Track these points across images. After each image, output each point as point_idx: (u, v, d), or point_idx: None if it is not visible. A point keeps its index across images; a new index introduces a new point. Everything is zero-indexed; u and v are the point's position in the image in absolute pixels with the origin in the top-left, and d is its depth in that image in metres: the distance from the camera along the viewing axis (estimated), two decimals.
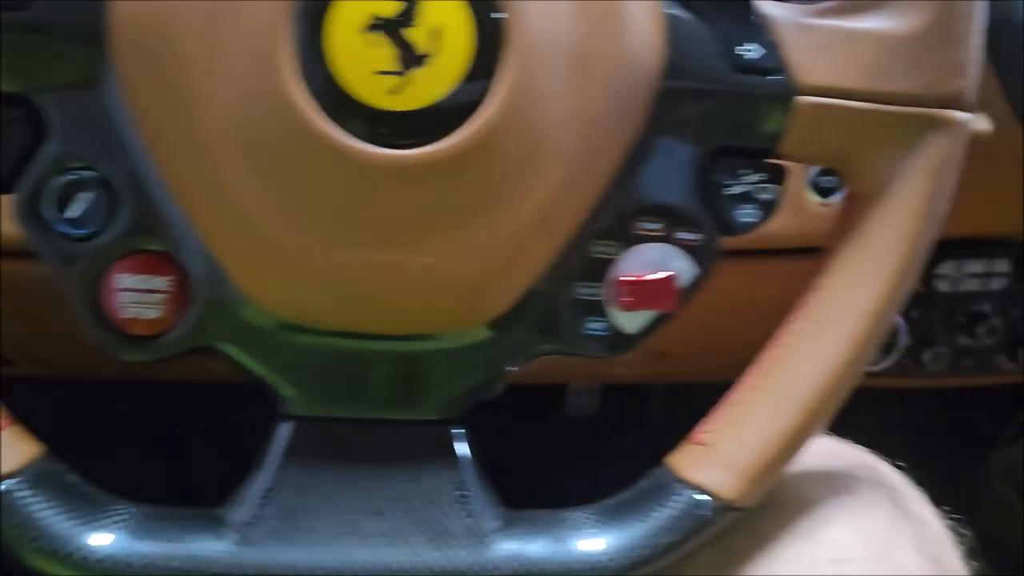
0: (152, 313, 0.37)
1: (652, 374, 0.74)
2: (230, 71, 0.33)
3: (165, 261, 0.37)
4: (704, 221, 0.38)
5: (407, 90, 0.33)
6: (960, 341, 0.64)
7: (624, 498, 0.40)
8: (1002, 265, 0.65)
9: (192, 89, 0.34)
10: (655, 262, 0.38)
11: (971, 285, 0.64)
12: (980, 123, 0.48)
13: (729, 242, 0.39)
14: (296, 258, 0.35)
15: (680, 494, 0.39)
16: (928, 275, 0.61)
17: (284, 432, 0.38)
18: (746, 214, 0.39)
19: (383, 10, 0.32)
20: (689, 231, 0.38)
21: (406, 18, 0.32)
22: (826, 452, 0.46)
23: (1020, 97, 0.54)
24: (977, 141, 0.40)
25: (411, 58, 0.32)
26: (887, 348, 0.62)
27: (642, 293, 0.38)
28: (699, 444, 0.39)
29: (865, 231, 0.38)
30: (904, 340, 0.62)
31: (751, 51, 0.37)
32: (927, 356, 0.62)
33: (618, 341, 0.39)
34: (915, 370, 0.63)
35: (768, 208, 0.39)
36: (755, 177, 0.38)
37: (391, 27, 0.32)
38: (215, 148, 0.34)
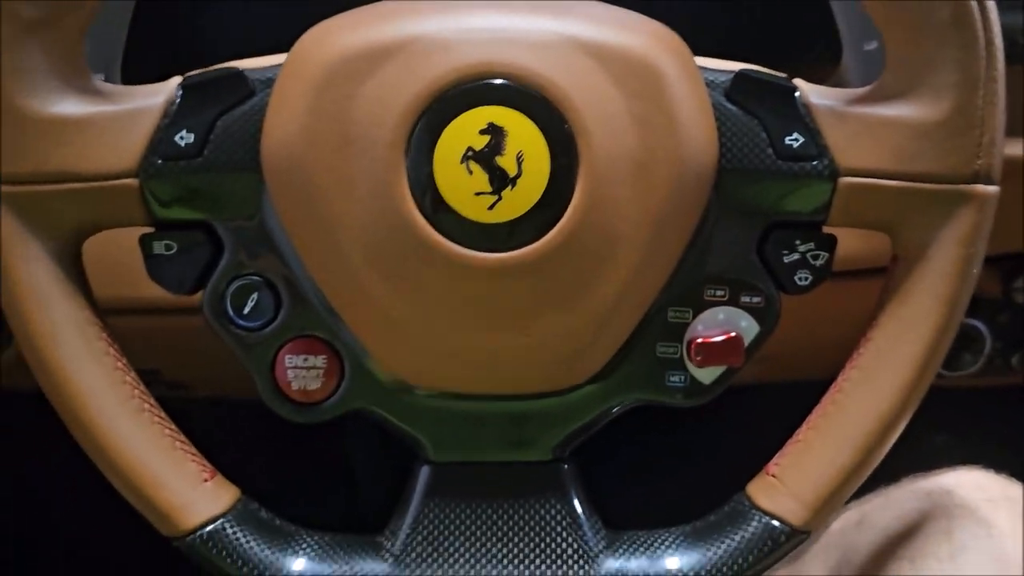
0: (314, 385, 0.46)
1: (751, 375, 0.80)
2: (358, 196, 0.41)
3: (321, 343, 0.45)
4: (764, 286, 0.45)
5: (501, 206, 0.40)
6: None
7: (709, 521, 0.46)
8: None
9: (329, 211, 0.41)
10: (723, 323, 0.45)
11: None
12: None
13: None
14: (421, 340, 0.43)
15: (756, 520, 0.45)
16: (1007, 288, 0.66)
17: (424, 475, 0.47)
18: (802, 278, 0.44)
19: (476, 144, 0.40)
20: (751, 295, 0.45)
21: (494, 149, 0.40)
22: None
23: None
24: None
25: (502, 180, 0.40)
26: (975, 353, 0.66)
27: (713, 351, 0.45)
28: (771, 476, 0.46)
29: (907, 290, 0.44)
30: (989, 346, 0.66)
31: (795, 140, 0.43)
32: (1015, 359, 0.67)
33: (695, 391, 0.46)
34: (1004, 371, 0.67)
35: (822, 272, 0.44)
36: (808, 246, 0.44)
37: (483, 157, 0.40)
38: (351, 257, 0.42)
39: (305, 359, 0.46)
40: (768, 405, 0.59)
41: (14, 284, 0.43)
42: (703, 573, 0.45)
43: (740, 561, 0.45)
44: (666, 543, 0.46)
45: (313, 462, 1.02)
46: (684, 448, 1.02)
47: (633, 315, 0.44)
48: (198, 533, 0.44)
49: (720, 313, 0.45)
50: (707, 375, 0.45)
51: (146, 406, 0.45)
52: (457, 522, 0.46)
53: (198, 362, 0.63)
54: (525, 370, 0.44)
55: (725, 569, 0.45)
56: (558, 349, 0.43)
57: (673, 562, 0.45)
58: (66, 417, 0.44)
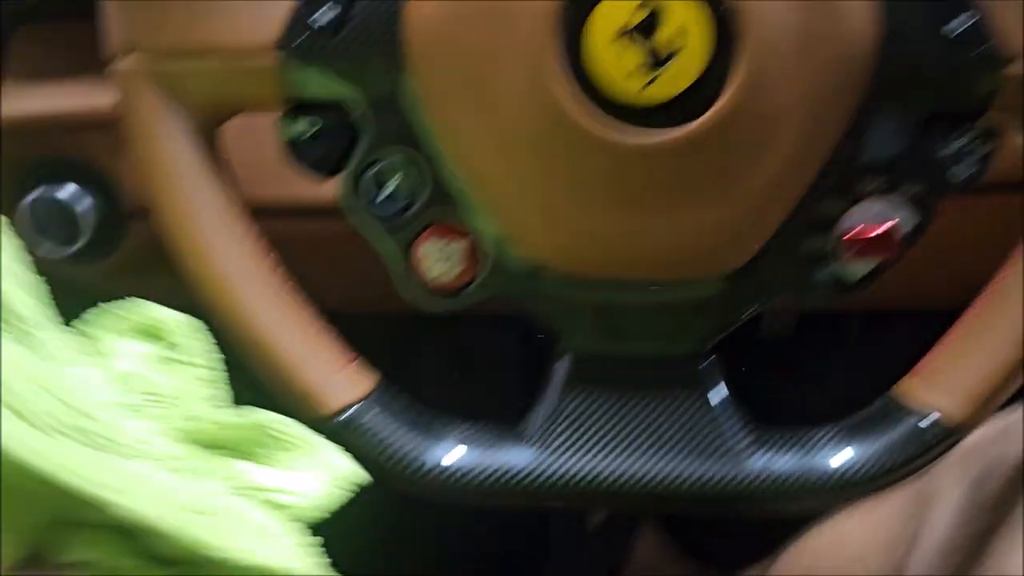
0: (452, 273, 0.45)
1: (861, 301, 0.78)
2: (506, 74, 0.40)
3: (460, 229, 0.45)
4: (922, 177, 0.43)
5: (655, 85, 0.39)
6: None
7: (860, 419, 0.45)
8: None
9: (475, 90, 0.41)
10: (877, 215, 0.43)
11: None
12: None
13: None
14: (567, 223, 0.42)
15: (910, 417, 0.44)
16: None
17: (564, 366, 0.46)
18: (962, 171, 0.42)
19: (631, 20, 0.38)
20: (908, 186, 0.43)
21: (651, 25, 0.38)
22: None
23: None
24: None
25: (658, 58, 0.39)
26: None
27: (866, 244, 0.43)
28: (924, 373, 0.44)
29: None
30: None
31: (959, 23, 0.40)
32: None
33: (843, 288, 0.44)
34: None
35: (982, 164, 0.42)
36: (969, 136, 0.42)
37: (638, 34, 0.38)
38: (497, 137, 0.41)
39: (443, 245, 0.45)
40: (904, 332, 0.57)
41: (157, 161, 0.43)
42: (856, 471, 0.44)
43: (894, 459, 0.44)
44: (816, 440, 0.45)
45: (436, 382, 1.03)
46: (831, 351, 1.00)
47: (786, 203, 0.42)
48: (341, 417, 0.44)
49: (875, 205, 0.43)
50: (856, 271, 0.44)
51: (286, 287, 0.44)
52: (598, 414, 0.46)
53: (322, 272, 0.62)
54: (671, 256, 0.43)
55: (878, 467, 0.44)
56: (707, 236, 0.42)
57: (824, 460, 0.44)
58: (207, 296, 0.44)
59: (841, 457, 0.44)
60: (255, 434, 0.35)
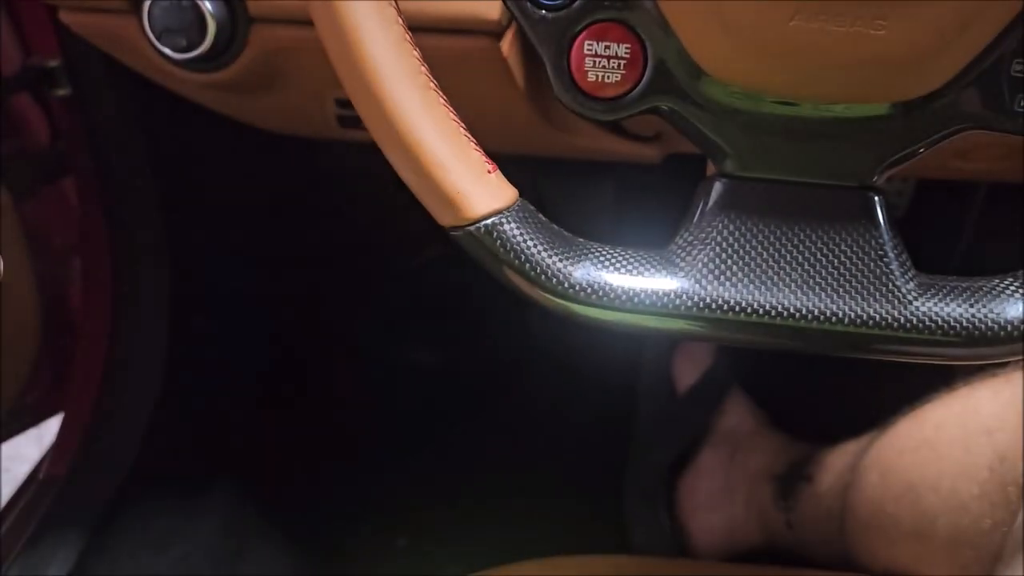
0: (613, 77, 0.42)
1: (991, 171, 0.73)
2: None
3: (625, 30, 0.41)
4: None
5: None
6: None
7: None
8: None
9: None
10: None
11: None
12: None
13: None
14: (747, 29, 0.39)
15: None
16: None
17: (719, 188, 0.43)
18: None
19: None
20: None
21: None
22: None
23: None
24: None
25: None
26: None
27: None
28: None
29: None
30: None
31: None
32: None
33: None
34: None
35: None
36: None
37: None
38: None
39: (606, 47, 0.41)
40: None
41: None
42: None
43: None
44: (987, 290, 0.42)
45: None
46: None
47: (998, 18, 0.38)
48: (483, 223, 0.42)
49: None
50: None
51: (432, 85, 0.42)
52: (753, 243, 0.42)
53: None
54: (860, 72, 0.39)
55: None
56: (905, 48, 0.38)
57: (998, 308, 0.41)
58: (353, 86, 0.41)
59: (1017, 307, 0.41)
60: None
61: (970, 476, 0.62)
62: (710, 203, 0.43)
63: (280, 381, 1.08)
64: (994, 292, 0.41)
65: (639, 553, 0.96)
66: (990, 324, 0.40)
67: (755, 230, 0.43)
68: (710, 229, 0.43)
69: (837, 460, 0.82)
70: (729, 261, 0.42)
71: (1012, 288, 0.41)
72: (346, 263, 1.13)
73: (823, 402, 1.02)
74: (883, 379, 0.75)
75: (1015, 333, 0.40)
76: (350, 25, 0.40)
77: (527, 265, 0.42)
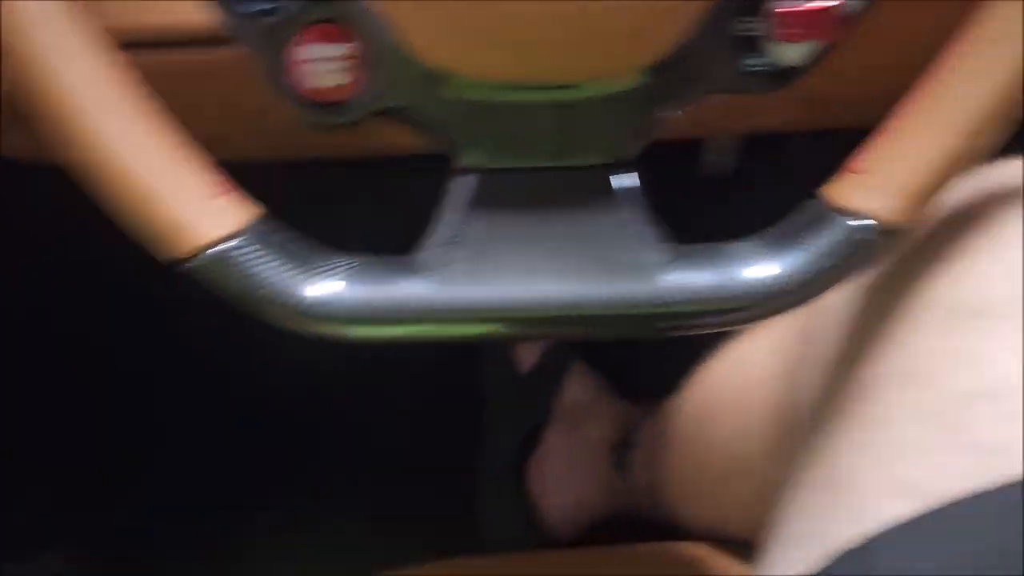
0: (335, 80, 0.39)
1: (797, 121, 0.73)
2: None
3: (343, 29, 0.39)
4: None
5: None
6: None
7: (784, 227, 0.41)
8: None
9: None
10: None
11: None
12: None
13: None
14: (467, 17, 0.37)
15: (841, 220, 0.40)
16: None
17: (465, 183, 0.41)
18: None
19: None
20: None
21: None
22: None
23: None
24: None
25: None
26: None
27: (802, 22, 0.38)
28: (856, 172, 0.40)
29: None
30: None
31: None
32: None
33: (778, 75, 0.40)
34: None
35: None
36: None
37: None
38: None
39: (324, 48, 0.39)
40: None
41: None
42: (782, 284, 0.40)
43: (825, 267, 0.40)
44: (735, 253, 0.41)
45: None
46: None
47: None
48: (207, 253, 0.39)
49: None
50: (792, 54, 0.39)
51: (152, 114, 0.38)
52: (501, 236, 0.41)
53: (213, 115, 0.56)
54: (580, 49, 0.38)
55: (808, 277, 0.40)
56: (622, 18, 0.37)
57: (745, 271, 0.40)
58: (45, 118, 0.37)
59: (765, 268, 0.40)
60: None
61: (748, 436, 0.62)
62: (458, 199, 0.41)
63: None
64: (739, 256, 0.40)
65: (493, 547, 0.94)
66: (732, 289, 0.40)
67: (504, 222, 0.41)
68: (457, 228, 0.41)
69: (653, 425, 0.82)
70: (478, 259, 0.41)
71: (754, 250, 0.40)
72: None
73: (657, 365, 1.03)
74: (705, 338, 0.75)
75: (757, 296, 0.40)
76: (31, 47, 0.37)
77: (259, 290, 0.39)
